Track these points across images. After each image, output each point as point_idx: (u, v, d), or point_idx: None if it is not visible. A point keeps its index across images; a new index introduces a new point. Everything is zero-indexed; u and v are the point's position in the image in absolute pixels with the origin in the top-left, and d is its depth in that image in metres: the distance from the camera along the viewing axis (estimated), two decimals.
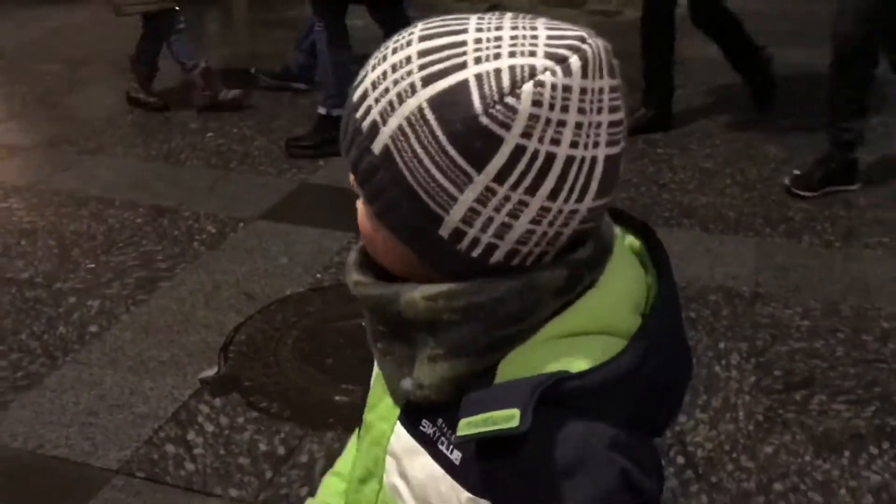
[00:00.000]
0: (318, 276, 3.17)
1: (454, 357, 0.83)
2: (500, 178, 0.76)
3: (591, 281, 0.84)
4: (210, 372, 2.68)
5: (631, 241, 0.92)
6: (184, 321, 2.94)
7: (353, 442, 1.14)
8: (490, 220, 0.78)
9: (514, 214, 0.77)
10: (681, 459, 2.33)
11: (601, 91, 0.76)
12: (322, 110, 4.11)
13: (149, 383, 2.65)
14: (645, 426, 0.86)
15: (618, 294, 0.86)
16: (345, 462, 1.14)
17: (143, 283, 3.16)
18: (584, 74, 0.75)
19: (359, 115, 0.80)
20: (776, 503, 2.20)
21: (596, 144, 0.77)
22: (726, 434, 2.42)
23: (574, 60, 0.75)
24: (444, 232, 0.79)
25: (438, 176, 0.77)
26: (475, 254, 0.80)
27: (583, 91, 0.75)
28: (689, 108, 4.52)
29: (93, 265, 3.28)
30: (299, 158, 4.07)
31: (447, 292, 0.81)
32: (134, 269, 3.24)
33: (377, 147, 0.79)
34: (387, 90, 0.78)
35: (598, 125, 0.77)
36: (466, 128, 0.75)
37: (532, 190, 0.76)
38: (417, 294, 0.82)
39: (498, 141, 0.75)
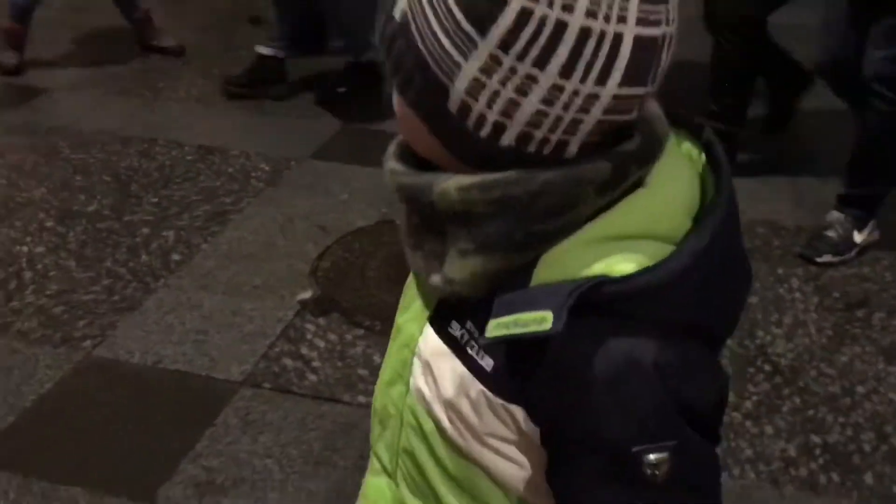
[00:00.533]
0: (384, 210, 3.32)
1: (486, 252, 0.80)
2: (505, 45, 0.72)
3: (640, 178, 0.81)
4: (306, 294, 2.83)
5: (688, 146, 0.88)
6: (265, 250, 3.07)
7: None
8: (496, 94, 0.74)
9: (521, 90, 0.74)
10: (768, 367, 2.57)
11: None
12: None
13: (248, 305, 2.79)
14: (699, 335, 0.83)
15: (671, 196, 0.82)
16: None
17: (212, 216, 3.27)
18: None
19: None
20: (861, 403, 2.46)
21: (622, 19, 0.72)
22: (803, 346, 2.67)
23: None
24: (452, 106, 0.76)
25: (445, 40, 0.74)
26: (483, 133, 0.77)
27: None
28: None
29: (156, 199, 3.37)
30: (334, 101, 4.18)
31: (481, 183, 0.78)
32: (199, 203, 3.35)
33: (398, 13, 0.78)
34: None
35: None
36: None
37: (541, 63, 0.72)
38: (451, 184, 0.80)
39: (503, 2, 0.71)
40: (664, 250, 0.79)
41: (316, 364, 2.55)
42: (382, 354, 2.59)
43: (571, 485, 0.83)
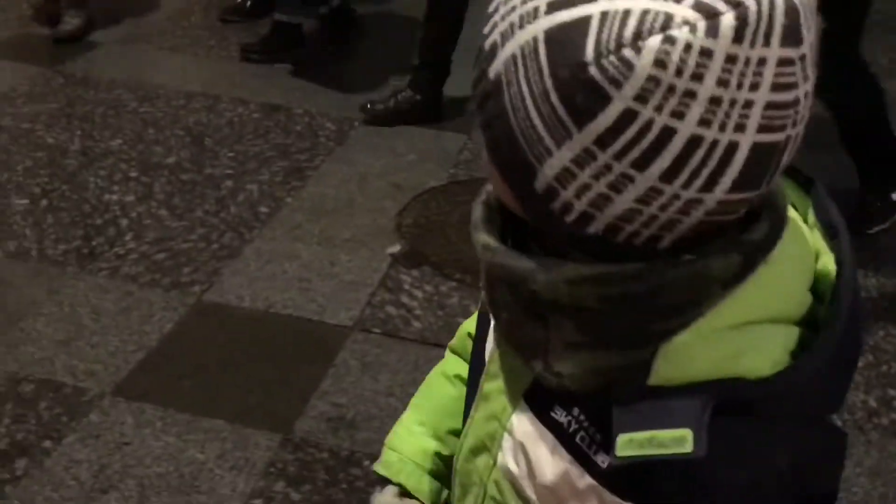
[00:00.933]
0: (452, 171, 3.49)
1: (599, 348, 0.75)
2: (603, 142, 0.66)
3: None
4: (395, 248, 2.99)
5: (793, 198, 0.82)
6: (347, 206, 3.23)
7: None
8: (586, 186, 0.68)
9: (615, 188, 0.68)
10: None
11: (762, 62, 0.64)
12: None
13: (344, 256, 2.94)
14: (820, 413, 0.81)
15: (791, 272, 0.77)
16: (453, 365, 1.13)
17: (290, 171, 3.41)
18: (738, 38, 0.62)
19: (486, 29, 0.72)
20: None
21: (740, 128, 0.65)
22: (868, 308, 2.89)
23: (727, 18, 0.62)
24: (538, 186, 0.71)
25: (538, 122, 0.68)
26: (568, 219, 0.71)
27: (730, 59, 0.63)
28: None
29: (232, 154, 3.50)
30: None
31: (595, 277, 0.72)
32: (275, 159, 3.49)
33: (493, 72, 0.71)
34: (513, 8, 0.69)
35: (749, 104, 0.64)
36: (573, 76, 0.65)
37: (640, 165, 0.66)
38: (558, 277, 0.74)
39: (605, 99, 0.65)
40: (792, 335, 0.75)
41: (418, 312, 2.72)
42: (477, 306, 2.77)
43: None
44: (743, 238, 0.72)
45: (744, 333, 0.74)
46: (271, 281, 2.81)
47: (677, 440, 0.70)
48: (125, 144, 3.51)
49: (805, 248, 0.79)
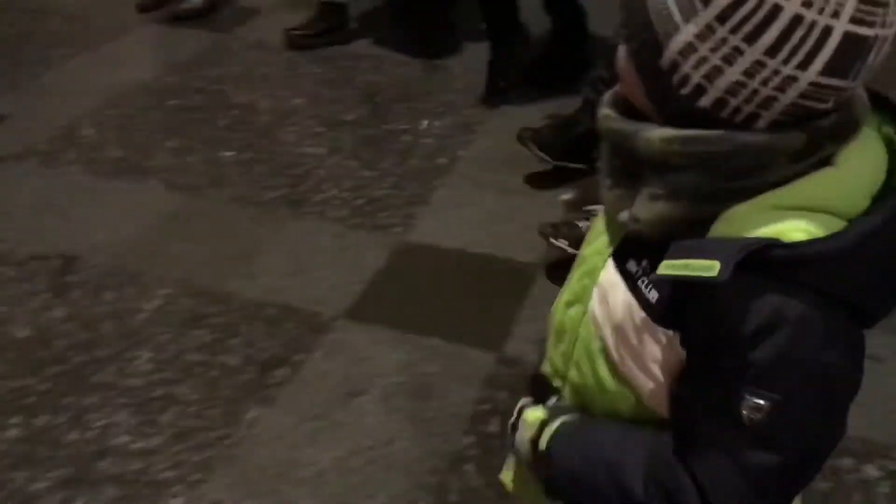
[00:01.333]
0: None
1: (674, 199, 0.91)
2: (723, 17, 0.83)
3: (830, 155, 0.89)
4: (568, 195, 3.35)
5: (889, 130, 0.95)
6: (514, 157, 3.51)
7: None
8: (704, 59, 0.85)
9: (727, 59, 0.84)
10: None
11: None
12: None
13: (522, 203, 3.32)
14: (854, 312, 0.89)
15: (855, 176, 0.90)
16: None
17: (459, 126, 3.80)
18: None
19: None
20: None
21: (835, 14, 0.81)
22: None
23: None
24: (663, 63, 0.88)
25: (672, 5, 0.86)
26: (684, 91, 0.88)
27: None
28: None
29: (403, 110, 3.89)
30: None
31: (684, 137, 0.89)
32: (444, 115, 3.86)
33: None
34: None
35: None
36: None
37: (750, 38, 0.83)
38: (656, 134, 0.91)
39: None
40: (838, 225, 0.88)
41: None
42: None
43: (688, 410, 0.96)
44: (809, 123, 0.87)
45: (796, 214, 0.88)
46: (462, 224, 3.20)
47: (706, 267, 0.85)
48: (306, 103, 3.92)
49: (876, 163, 0.93)
